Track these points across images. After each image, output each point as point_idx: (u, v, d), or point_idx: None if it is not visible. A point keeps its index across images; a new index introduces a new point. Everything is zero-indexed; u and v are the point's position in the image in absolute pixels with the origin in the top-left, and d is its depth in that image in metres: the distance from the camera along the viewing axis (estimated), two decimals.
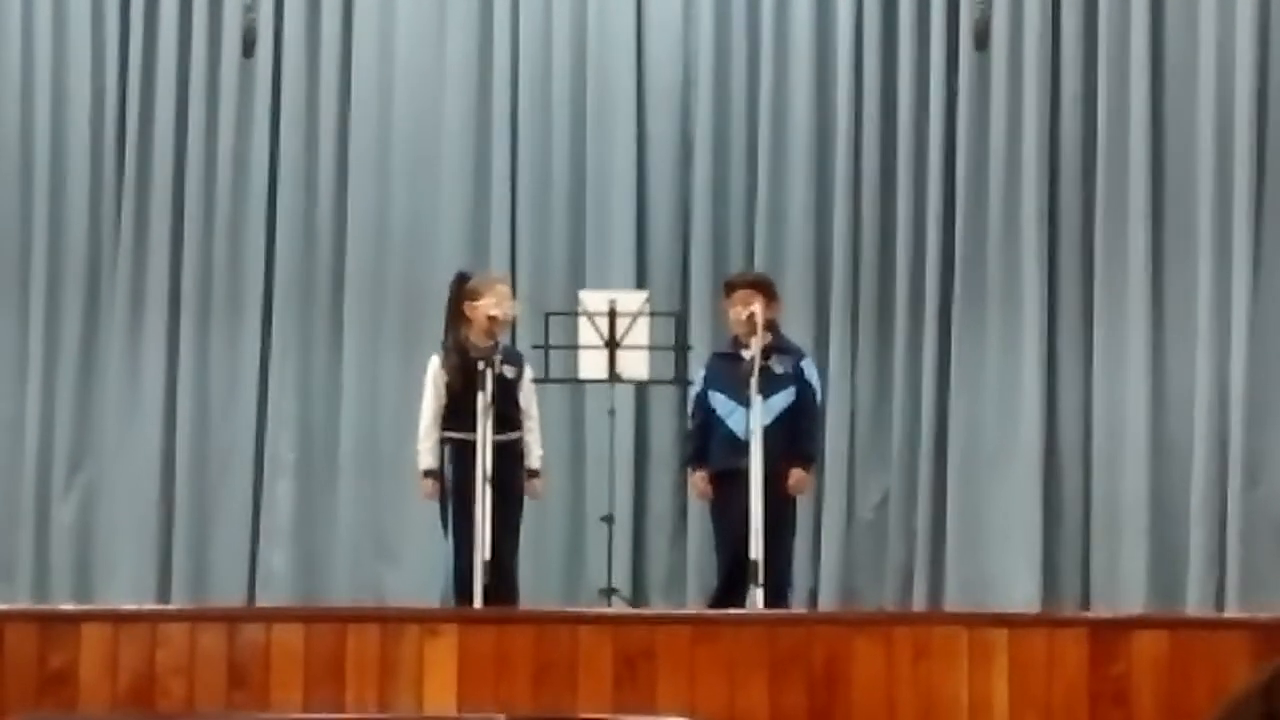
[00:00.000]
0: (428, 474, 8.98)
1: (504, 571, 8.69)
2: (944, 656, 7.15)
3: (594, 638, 7.21)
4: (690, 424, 9.53)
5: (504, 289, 9.16)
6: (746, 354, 8.88)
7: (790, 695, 7.14)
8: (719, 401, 9.19)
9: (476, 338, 8.97)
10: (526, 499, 9.13)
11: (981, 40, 10.52)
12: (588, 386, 10.06)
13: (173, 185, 10.78)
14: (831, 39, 10.64)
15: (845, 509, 10.42)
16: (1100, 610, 9.67)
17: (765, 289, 9.26)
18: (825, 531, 10.39)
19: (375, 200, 10.76)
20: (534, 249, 10.66)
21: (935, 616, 8.72)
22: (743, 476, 8.55)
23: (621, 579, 9.98)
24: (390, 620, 7.37)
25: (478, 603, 8.31)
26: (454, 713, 7.13)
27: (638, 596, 10.30)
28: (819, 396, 9.45)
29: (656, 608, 10.03)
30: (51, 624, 7.35)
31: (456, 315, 9.05)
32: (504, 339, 9.25)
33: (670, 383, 9.91)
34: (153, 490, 10.61)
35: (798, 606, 9.52)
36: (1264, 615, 7.90)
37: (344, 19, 10.82)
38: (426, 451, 8.99)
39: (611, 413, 9.81)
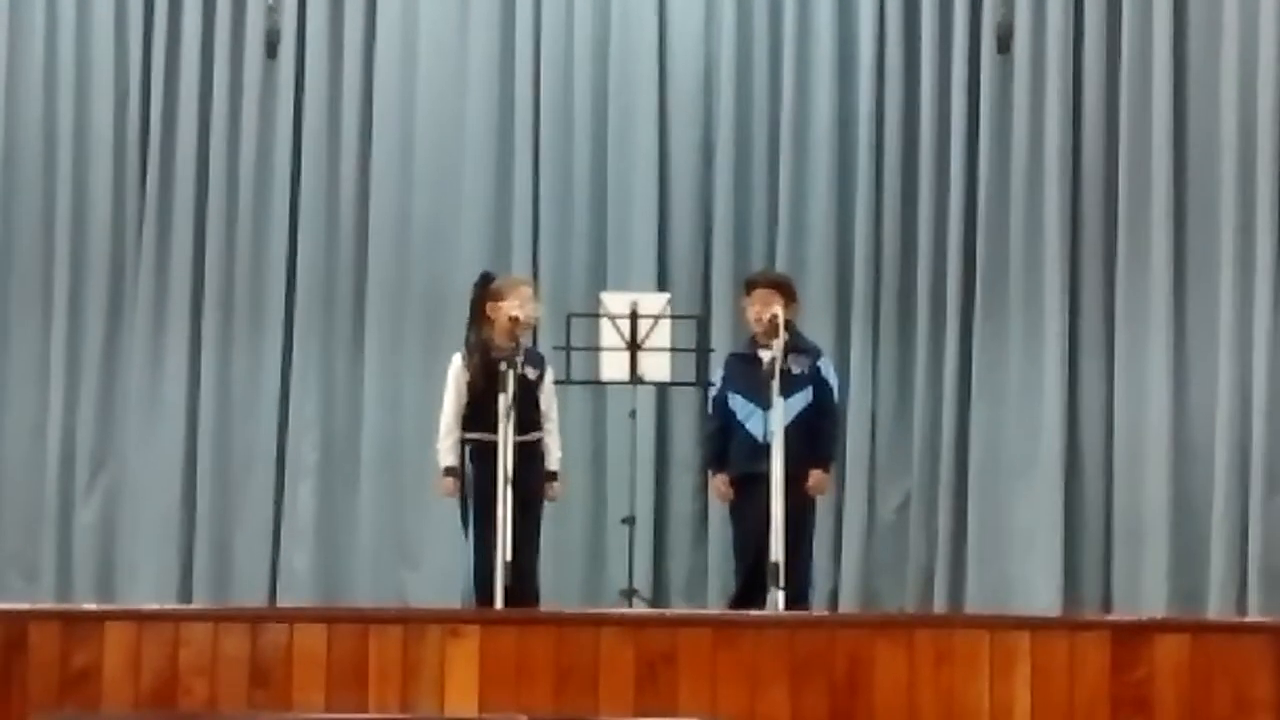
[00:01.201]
0: (448, 472, 8.98)
1: (524, 573, 8.70)
2: (966, 660, 7.14)
3: (615, 640, 7.21)
4: (709, 426, 9.53)
5: (527, 290, 9.17)
6: (765, 355, 8.85)
7: (812, 698, 7.13)
8: (738, 404, 9.18)
9: (499, 338, 8.98)
10: (546, 500, 9.14)
11: (1004, 43, 10.52)
12: (609, 388, 10.07)
13: (195, 187, 10.81)
14: (853, 42, 10.64)
15: (866, 511, 10.42)
16: (1121, 614, 9.65)
17: (785, 289, 9.26)
18: (846, 533, 10.40)
19: (397, 202, 10.77)
20: (556, 251, 10.67)
21: (957, 619, 8.69)
22: (762, 480, 8.52)
23: (642, 581, 10.00)
24: (412, 621, 7.36)
25: (498, 604, 8.32)
26: (475, 714, 7.13)
27: (658, 598, 10.31)
28: (837, 396, 9.44)
29: (677, 609, 10.03)
30: (75, 623, 7.36)
31: (479, 315, 9.06)
32: (526, 340, 9.25)
33: (692, 385, 9.92)
34: (175, 491, 10.64)
35: (818, 608, 9.52)
36: None
37: (367, 21, 10.84)
38: (447, 450, 9.00)
39: (633, 414, 9.83)
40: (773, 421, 8.55)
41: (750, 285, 9.34)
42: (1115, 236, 10.41)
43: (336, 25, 10.87)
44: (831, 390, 9.28)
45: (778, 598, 8.25)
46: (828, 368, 9.31)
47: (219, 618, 7.48)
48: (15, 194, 10.87)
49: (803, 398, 9.06)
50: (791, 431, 8.69)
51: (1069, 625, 7.61)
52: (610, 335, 9.55)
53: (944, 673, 7.14)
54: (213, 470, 10.68)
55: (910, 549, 10.39)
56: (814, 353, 9.31)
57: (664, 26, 10.76)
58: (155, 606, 8.43)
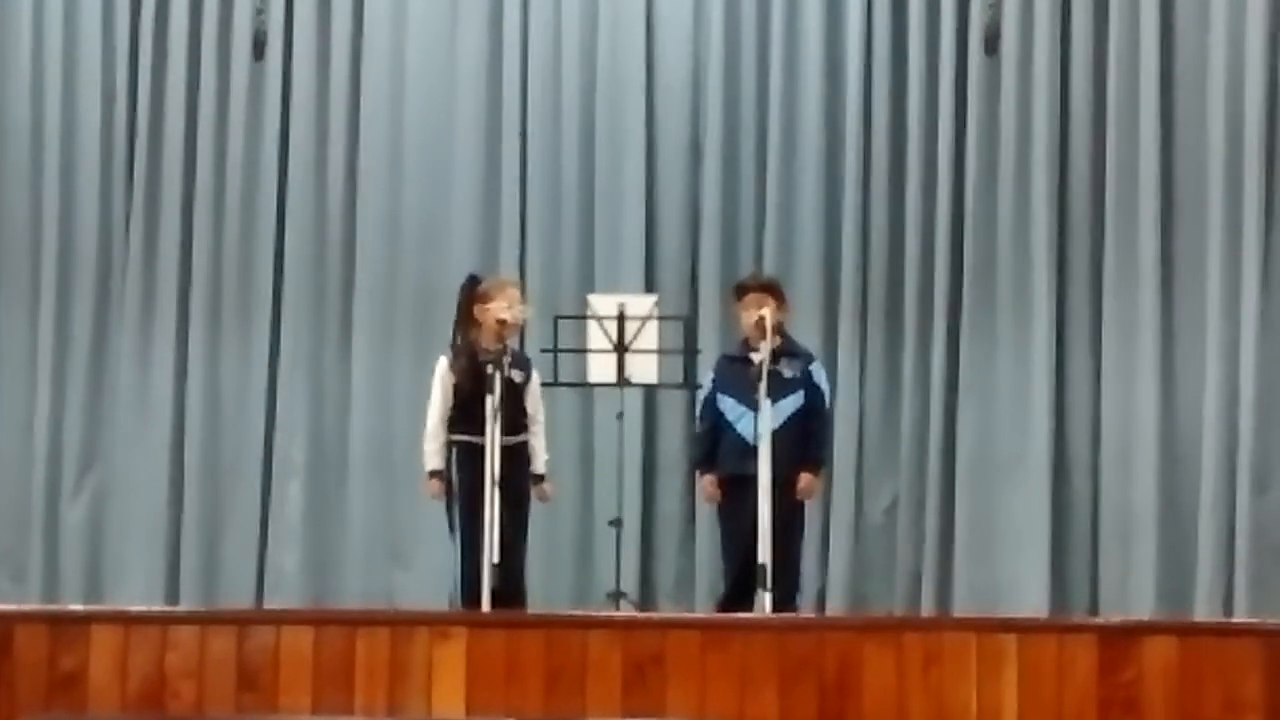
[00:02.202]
0: (433, 474, 8.97)
1: (512, 575, 8.69)
2: (954, 662, 7.13)
3: (604, 642, 7.20)
4: (699, 427, 9.52)
5: (515, 292, 9.16)
6: (756, 357, 8.85)
7: (800, 700, 7.13)
8: (728, 405, 9.18)
9: (486, 340, 8.97)
10: (535, 502, 9.12)
11: (991, 45, 10.53)
12: (597, 390, 10.08)
13: (182, 187, 10.81)
14: (841, 44, 10.65)
15: (854, 513, 10.43)
16: (1110, 616, 9.66)
17: (775, 292, 9.26)
18: (834, 535, 10.41)
19: (386, 203, 10.77)
20: (544, 253, 10.67)
21: (945, 622, 8.71)
22: (752, 482, 8.53)
23: (630, 583, 10.00)
24: (400, 623, 7.34)
25: (486, 606, 8.31)
26: (463, 716, 7.12)
27: (646, 601, 10.31)
28: (828, 400, 9.45)
29: (665, 612, 10.02)
30: (62, 625, 7.34)
31: (466, 318, 9.05)
32: (513, 342, 9.24)
33: (679, 386, 9.92)
34: (162, 492, 10.64)
35: (806, 610, 9.52)
36: (1274, 622, 7.87)
37: (354, 22, 10.84)
38: (433, 452, 8.98)
39: (620, 416, 9.82)
40: (762, 423, 8.55)
41: (742, 290, 9.32)
42: (1103, 237, 10.42)
43: (324, 26, 10.86)
44: (823, 395, 9.27)
45: (765, 600, 8.25)
46: (819, 372, 9.31)
47: (206, 620, 7.47)
48: (2, 193, 10.86)
49: (794, 401, 9.06)
50: (782, 434, 8.71)
51: (1057, 627, 7.61)
52: (598, 337, 9.55)
53: (932, 675, 7.13)
54: (201, 470, 10.67)
55: (898, 551, 10.40)
56: (806, 357, 9.31)
57: (652, 27, 10.76)
58: (142, 609, 8.41)
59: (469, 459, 8.81)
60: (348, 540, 10.61)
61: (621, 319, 9.53)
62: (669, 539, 10.53)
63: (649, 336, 9.56)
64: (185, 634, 7.27)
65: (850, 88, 10.59)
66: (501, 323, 8.93)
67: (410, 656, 7.20)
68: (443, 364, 9.07)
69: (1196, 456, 10.16)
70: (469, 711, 7.13)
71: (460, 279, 9.28)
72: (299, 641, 7.23)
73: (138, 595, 10.31)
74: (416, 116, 10.81)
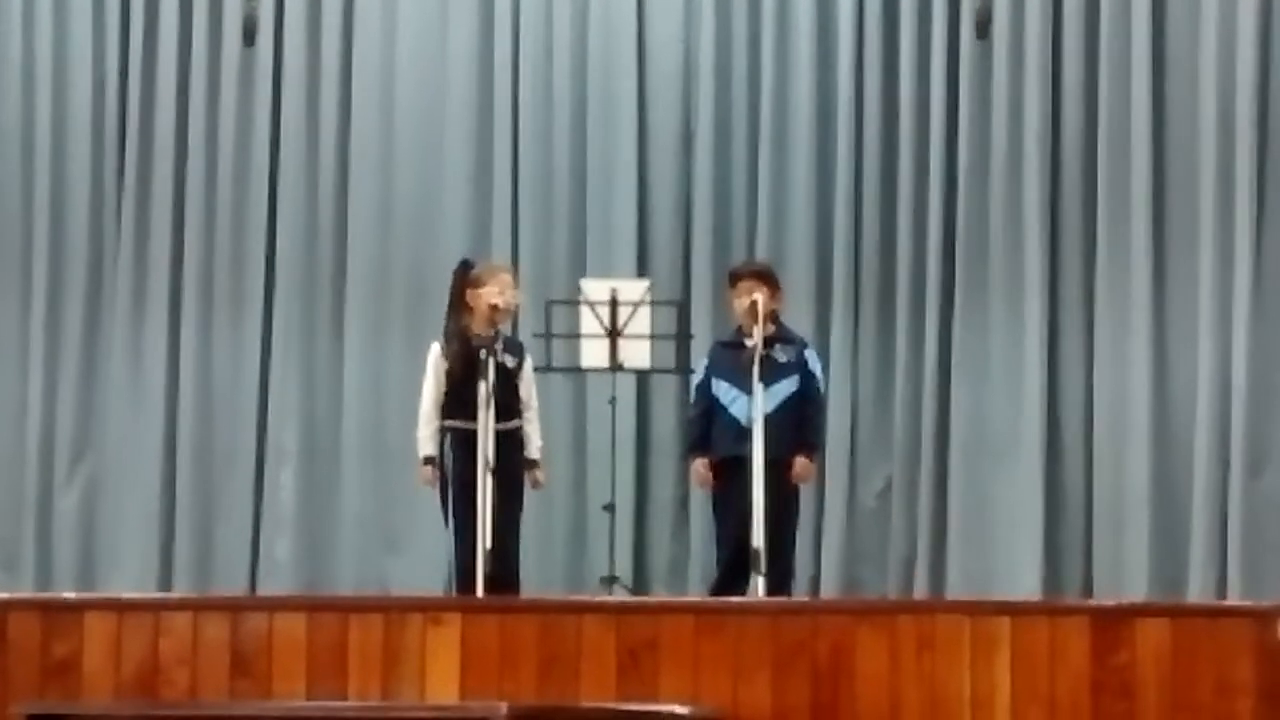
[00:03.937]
0: (426, 461, 8.97)
1: (505, 560, 8.69)
2: (947, 646, 7.14)
3: (597, 627, 7.22)
4: (692, 411, 9.52)
5: (507, 277, 9.15)
6: (749, 343, 8.86)
7: (794, 685, 7.14)
8: (722, 389, 9.17)
9: (478, 326, 8.96)
10: (528, 488, 9.12)
11: (983, 29, 10.51)
12: (589, 375, 10.07)
13: (174, 174, 10.79)
14: (833, 27, 10.63)
15: (847, 497, 10.42)
16: (1103, 599, 9.67)
17: (769, 279, 9.25)
18: (827, 519, 10.40)
19: (378, 189, 10.76)
20: (536, 237, 10.66)
21: (939, 605, 8.70)
22: (745, 464, 8.54)
23: (623, 568, 9.98)
24: (393, 609, 7.36)
25: (479, 592, 8.31)
26: (457, 702, 7.13)
27: (639, 585, 10.30)
28: (822, 386, 9.43)
29: (658, 596, 10.03)
30: (55, 613, 7.36)
31: (459, 303, 9.04)
32: (506, 328, 9.24)
33: (672, 371, 9.92)
34: (156, 479, 10.62)
35: (800, 595, 9.53)
36: (1267, 603, 7.89)
37: (345, 7, 10.82)
38: (426, 439, 8.98)
39: (613, 401, 9.82)
40: (755, 407, 8.55)
41: (735, 276, 9.32)
42: (1095, 221, 10.41)
43: (315, 13, 10.84)
44: (817, 380, 9.26)
45: (759, 584, 8.25)
46: (813, 358, 9.30)
47: (199, 606, 7.48)
48: None
49: (788, 385, 9.05)
50: (776, 418, 8.72)
51: (1050, 610, 7.62)
52: (590, 322, 9.55)
53: (925, 659, 7.15)
54: (193, 458, 10.66)
55: (891, 535, 10.39)
56: (800, 343, 9.31)
57: (643, 12, 10.74)
58: (135, 595, 8.42)
59: (462, 445, 8.81)
60: (341, 527, 10.60)
61: (614, 304, 9.53)
62: (662, 524, 10.53)
63: (641, 321, 9.55)
64: (179, 620, 7.28)
65: (842, 72, 10.58)
66: (494, 308, 8.92)
67: (404, 642, 7.21)
68: (436, 350, 9.06)
69: (1189, 440, 10.15)
70: (463, 697, 7.14)
71: (452, 265, 9.27)
72: (292, 627, 7.25)
73: (131, 584, 10.29)
74: (408, 102, 10.79)
